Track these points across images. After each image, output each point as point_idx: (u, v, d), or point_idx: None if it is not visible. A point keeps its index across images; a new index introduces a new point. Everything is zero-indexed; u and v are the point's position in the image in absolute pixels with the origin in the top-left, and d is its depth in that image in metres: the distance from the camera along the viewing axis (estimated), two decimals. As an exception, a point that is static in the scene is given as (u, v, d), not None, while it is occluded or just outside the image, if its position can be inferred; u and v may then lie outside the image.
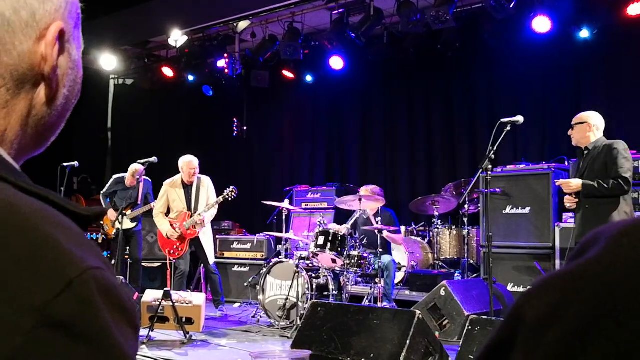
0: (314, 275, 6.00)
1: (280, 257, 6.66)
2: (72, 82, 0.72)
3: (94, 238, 8.13)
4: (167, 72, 9.37)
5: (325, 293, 5.94)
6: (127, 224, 7.05)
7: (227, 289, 7.70)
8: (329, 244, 6.06)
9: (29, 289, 0.50)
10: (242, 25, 8.56)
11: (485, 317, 4.42)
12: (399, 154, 9.10)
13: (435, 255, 7.41)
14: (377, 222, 6.34)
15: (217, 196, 6.65)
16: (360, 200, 6.37)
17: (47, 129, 0.71)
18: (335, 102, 9.75)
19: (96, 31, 8.24)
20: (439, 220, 7.40)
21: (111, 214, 7.15)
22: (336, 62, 8.45)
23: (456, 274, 6.99)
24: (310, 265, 6.18)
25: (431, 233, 7.58)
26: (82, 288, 0.52)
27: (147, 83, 9.92)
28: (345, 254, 6.08)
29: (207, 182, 6.71)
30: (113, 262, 6.47)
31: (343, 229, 6.29)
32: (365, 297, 6.32)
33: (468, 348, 3.98)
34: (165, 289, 5.43)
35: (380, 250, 6.17)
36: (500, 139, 4.71)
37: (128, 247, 7.27)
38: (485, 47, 7.71)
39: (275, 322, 6.13)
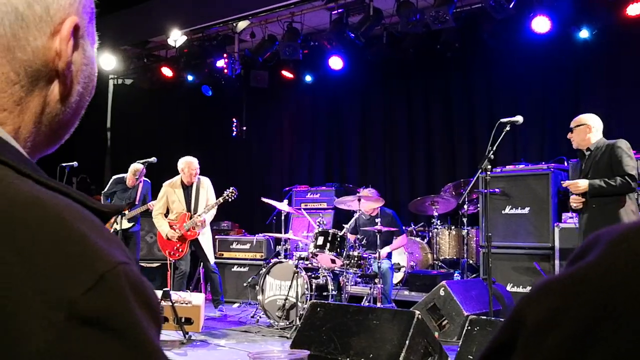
0: (313, 276, 5.99)
1: (279, 257, 6.67)
2: (87, 79, 0.70)
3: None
4: (167, 72, 9.36)
5: (325, 293, 5.94)
6: (125, 224, 7.04)
7: (227, 289, 7.69)
8: (328, 244, 6.06)
9: (60, 283, 0.50)
10: (242, 25, 8.56)
11: (485, 317, 4.41)
12: (398, 154, 9.10)
13: (435, 256, 7.41)
14: (377, 223, 6.34)
15: (217, 197, 6.65)
16: (359, 200, 6.37)
17: (61, 127, 0.70)
18: (334, 102, 9.75)
19: (95, 31, 8.21)
20: (439, 221, 7.40)
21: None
22: (335, 62, 8.44)
23: (455, 274, 6.99)
24: (310, 265, 6.18)
25: (430, 233, 7.58)
26: (113, 283, 0.51)
27: (146, 83, 9.91)
28: (344, 254, 6.08)
29: (206, 183, 6.71)
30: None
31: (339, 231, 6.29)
32: (365, 298, 6.32)
33: (467, 348, 3.98)
34: (164, 289, 5.43)
35: (380, 250, 6.17)
36: (499, 139, 4.71)
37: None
38: (484, 47, 7.71)
39: (275, 322, 6.12)
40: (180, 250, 6.55)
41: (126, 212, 7.06)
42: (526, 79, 7.88)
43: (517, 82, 7.94)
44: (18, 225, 0.51)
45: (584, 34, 7.05)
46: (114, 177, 7.46)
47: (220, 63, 8.75)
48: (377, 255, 6.18)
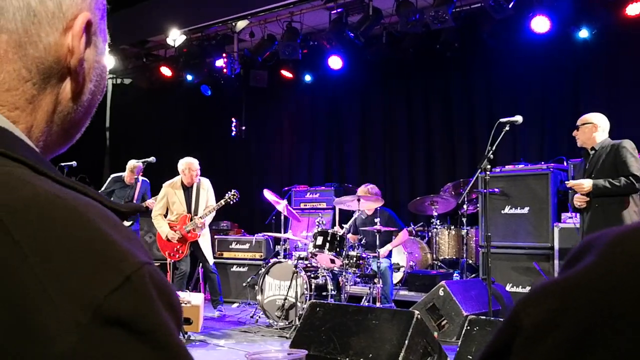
0: (312, 276, 5.99)
1: (278, 257, 6.66)
2: (99, 77, 0.69)
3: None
4: (166, 71, 9.36)
5: (324, 293, 5.94)
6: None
7: (226, 289, 7.68)
8: (327, 244, 6.05)
9: (86, 284, 0.49)
10: (241, 24, 8.55)
11: (484, 317, 4.41)
12: (398, 154, 9.09)
13: (434, 256, 7.40)
14: (376, 223, 6.33)
15: (216, 197, 6.64)
16: (358, 200, 6.37)
17: (73, 126, 0.68)
18: (334, 101, 9.75)
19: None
20: (438, 221, 7.39)
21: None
22: (335, 62, 8.44)
23: (455, 274, 6.99)
24: (309, 265, 6.18)
25: (430, 233, 7.58)
26: (139, 284, 0.51)
27: (145, 82, 9.90)
28: (343, 254, 6.07)
29: (206, 184, 6.70)
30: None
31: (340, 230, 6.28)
32: (364, 297, 6.32)
33: (467, 348, 3.98)
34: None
35: (380, 250, 6.17)
36: (499, 139, 4.71)
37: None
38: (484, 47, 7.70)
39: (274, 322, 6.12)
40: (180, 251, 6.53)
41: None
42: (526, 79, 7.88)
43: (516, 82, 7.93)
44: (40, 225, 0.50)
45: (583, 33, 7.05)
46: (112, 175, 7.46)
47: (220, 63, 8.75)
48: (376, 254, 6.18)
